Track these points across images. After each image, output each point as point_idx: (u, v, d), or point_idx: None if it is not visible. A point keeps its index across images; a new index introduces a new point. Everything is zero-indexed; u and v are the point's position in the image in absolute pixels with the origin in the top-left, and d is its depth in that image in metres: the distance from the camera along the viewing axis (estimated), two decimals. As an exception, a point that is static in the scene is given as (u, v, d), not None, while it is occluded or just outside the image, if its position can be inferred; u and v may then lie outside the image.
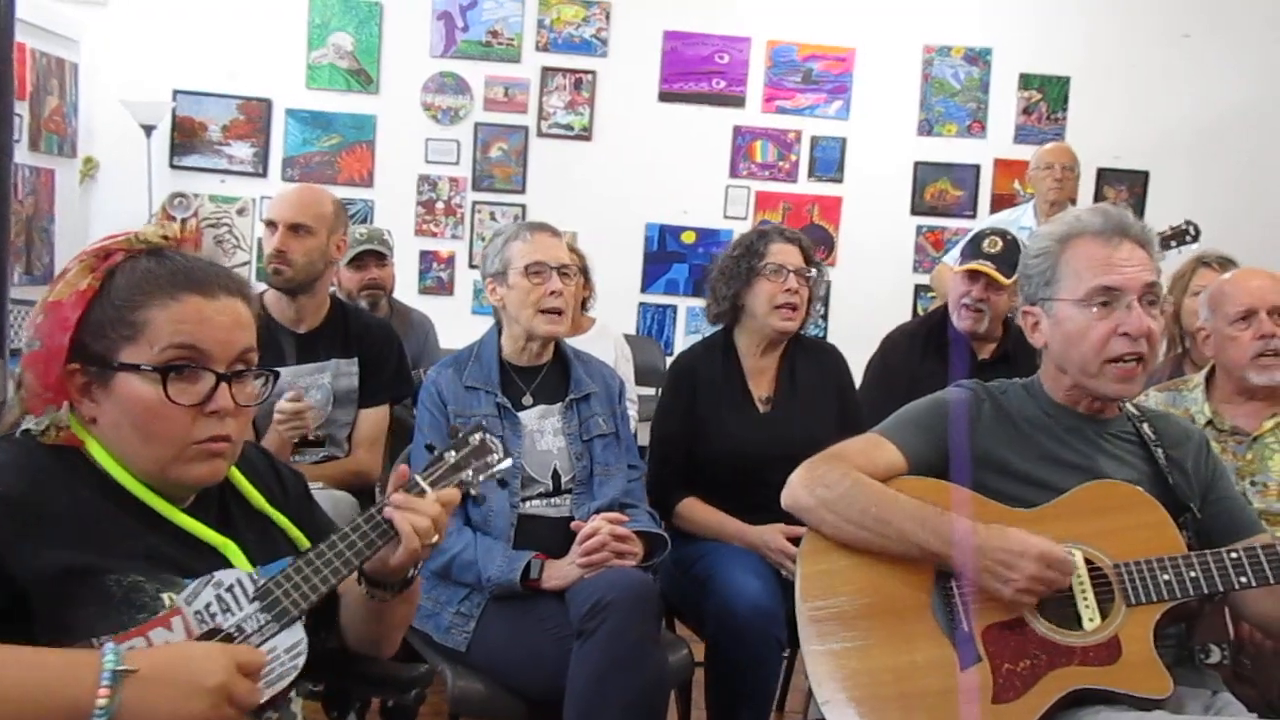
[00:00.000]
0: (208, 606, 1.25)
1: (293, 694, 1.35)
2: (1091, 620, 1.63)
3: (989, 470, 1.77)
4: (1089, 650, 1.61)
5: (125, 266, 1.30)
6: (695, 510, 2.55)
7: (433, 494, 1.39)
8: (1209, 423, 2.39)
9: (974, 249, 3.02)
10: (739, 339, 2.71)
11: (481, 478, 1.46)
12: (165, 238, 1.34)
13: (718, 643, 2.29)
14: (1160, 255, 1.80)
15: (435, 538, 1.36)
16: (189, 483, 1.32)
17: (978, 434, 1.80)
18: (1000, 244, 2.96)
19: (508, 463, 1.48)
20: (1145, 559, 1.64)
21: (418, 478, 1.42)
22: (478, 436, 1.47)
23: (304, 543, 1.43)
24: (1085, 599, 1.65)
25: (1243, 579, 1.61)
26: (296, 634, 1.28)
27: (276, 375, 1.41)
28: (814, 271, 2.66)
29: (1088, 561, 1.67)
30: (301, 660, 1.27)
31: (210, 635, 1.24)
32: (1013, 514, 1.72)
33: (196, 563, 1.30)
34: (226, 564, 1.31)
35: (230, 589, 1.27)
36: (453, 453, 1.45)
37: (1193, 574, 1.62)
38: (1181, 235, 3.78)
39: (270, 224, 2.65)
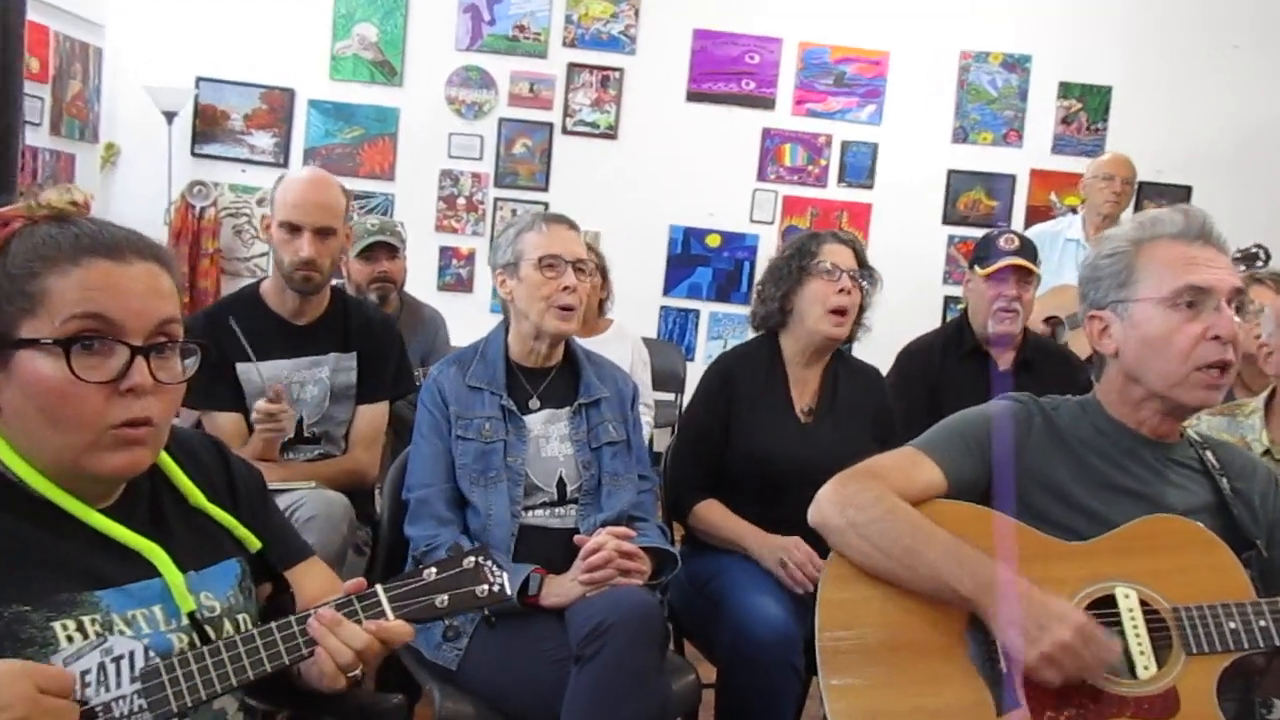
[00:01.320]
0: (85, 674, 1.11)
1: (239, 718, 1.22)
2: (1146, 669, 1.48)
3: (1037, 493, 1.62)
4: (1143, 701, 1.45)
5: (23, 234, 1.17)
6: (714, 513, 2.42)
7: (371, 624, 1.21)
8: (1266, 451, 2.22)
9: (993, 250, 2.94)
10: (785, 344, 2.58)
11: (462, 610, 1.28)
12: (73, 203, 1.21)
13: (730, 668, 2.15)
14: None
15: (358, 673, 1.20)
16: (106, 474, 1.18)
17: (1026, 452, 1.65)
18: (1016, 240, 2.95)
19: (505, 597, 1.29)
20: (1209, 604, 1.49)
21: (379, 590, 1.25)
22: (473, 560, 1.29)
23: (252, 543, 1.30)
24: (1140, 644, 1.49)
25: None
26: None
27: (204, 348, 1.26)
28: (865, 277, 2.52)
29: (1143, 604, 1.52)
30: None
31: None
32: (1060, 546, 1.57)
33: (116, 571, 1.17)
34: (152, 571, 1.18)
35: (118, 660, 1.12)
36: (434, 571, 1.27)
37: (1262, 623, 1.47)
38: (1252, 258, 3.61)
39: (292, 227, 2.46)
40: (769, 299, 2.55)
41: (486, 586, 1.28)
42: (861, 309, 2.55)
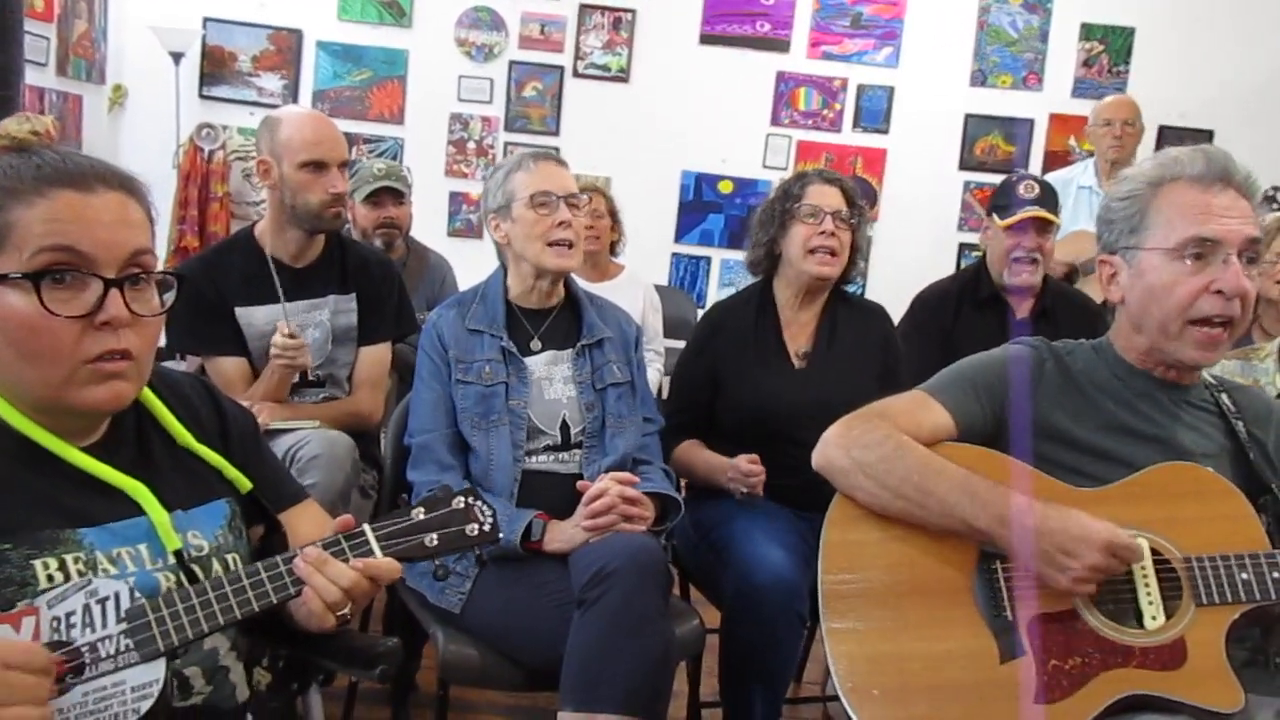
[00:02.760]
0: (69, 615, 1.09)
1: (230, 658, 1.21)
2: (1155, 619, 1.46)
3: (1049, 439, 1.59)
4: (1150, 652, 1.43)
5: None
6: (690, 454, 2.42)
7: (358, 562, 1.19)
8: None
9: (1013, 198, 2.89)
10: (778, 290, 2.55)
11: (452, 550, 1.26)
12: (35, 133, 1.17)
13: (734, 615, 2.13)
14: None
15: (347, 610, 1.18)
16: (88, 409, 1.16)
17: (1039, 397, 1.62)
18: (1037, 188, 2.89)
19: (494, 536, 1.28)
20: (1222, 554, 1.46)
21: (366, 529, 1.23)
22: (462, 500, 1.27)
23: (243, 483, 1.28)
24: (1149, 594, 1.47)
25: None
26: (153, 672, 1.11)
27: (181, 279, 1.23)
28: (855, 215, 2.47)
29: (1154, 552, 1.49)
30: (145, 705, 1.10)
31: (55, 648, 1.08)
32: (1074, 493, 1.54)
33: (101, 509, 1.15)
34: (137, 509, 1.16)
35: (103, 601, 1.11)
36: (421, 511, 1.25)
37: (1276, 575, 1.44)
38: (1269, 201, 3.53)
39: (318, 165, 2.41)
40: (758, 244, 2.52)
41: (476, 526, 1.26)
42: (855, 248, 2.50)
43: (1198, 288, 1.52)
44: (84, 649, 1.10)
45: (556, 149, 5.61)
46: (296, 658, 1.36)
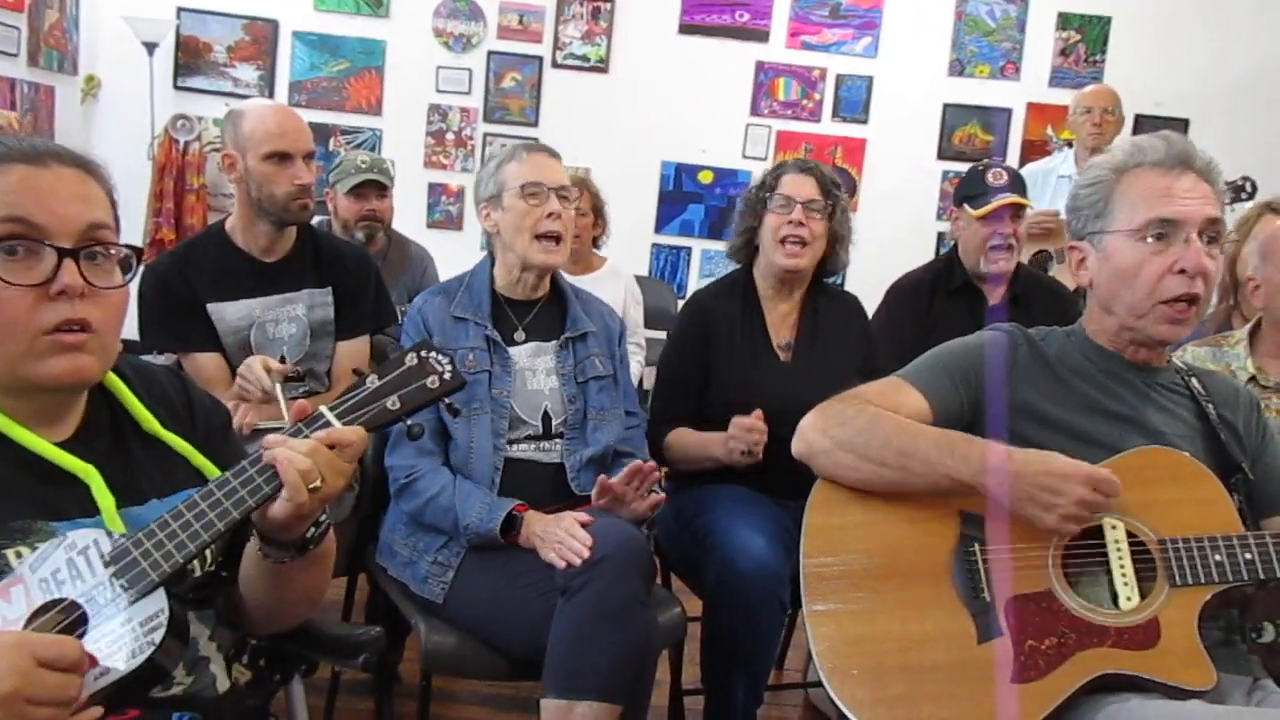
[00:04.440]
0: (55, 573, 1.09)
1: (211, 648, 1.20)
2: (1129, 599, 1.48)
3: (1025, 420, 1.61)
4: (1124, 632, 1.45)
5: None
6: (682, 438, 2.41)
7: (322, 432, 1.17)
8: (1251, 378, 2.22)
9: (984, 187, 2.92)
10: (757, 279, 2.56)
11: (418, 407, 1.22)
12: None
13: (716, 601, 2.15)
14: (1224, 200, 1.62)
15: (317, 483, 1.14)
16: (48, 383, 1.15)
17: (1015, 380, 1.64)
18: (1005, 175, 2.93)
19: (458, 382, 1.24)
20: (1195, 536, 1.48)
21: (323, 409, 1.20)
22: (414, 356, 1.23)
23: (211, 470, 1.27)
24: (1124, 575, 1.49)
25: None
26: (155, 603, 1.11)
27: (140, 253, 1.22)
28: (830, 203, 2.47)
29: (1129, 535, 1.51)
30: (159, 635, 1.09)
31: (51, 606, 1.08)
32: None
33: (56, 495, 1.14)
34: (87, 494, 1.15)
35: (84, 551, 1.10)
36: (375, 378, 1.22)
37: (1248, 556, 1.46)
38: (1238, 191, 3.57)
39: (283, 155, 2.40)
40: (738, 234, 2.54)
41: (436, 377, 1.23)
42: (835, 238, 2.51)
43: (1162, 268, 1.56)
44: (81, 600, 1.09)
45: (536, 140, 5.60)
46: (278, 651, 1.36)
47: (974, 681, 1.45)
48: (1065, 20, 5.67)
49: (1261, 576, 1.47)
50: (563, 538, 1.89)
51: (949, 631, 1.49)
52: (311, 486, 1.14)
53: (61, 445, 1.18)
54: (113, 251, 1.19)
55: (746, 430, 2.21)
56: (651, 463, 2.07)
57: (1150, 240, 1.57)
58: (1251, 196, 3.59)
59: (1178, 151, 1.58)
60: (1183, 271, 1.55)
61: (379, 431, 1.22)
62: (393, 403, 1.21)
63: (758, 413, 2.21)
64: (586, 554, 1.85)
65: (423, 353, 1.24)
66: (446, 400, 1.25)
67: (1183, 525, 1.50)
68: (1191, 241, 1.55)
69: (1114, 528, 1.51)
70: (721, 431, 2.29)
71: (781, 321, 2.53)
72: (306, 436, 1.17)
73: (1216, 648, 1.48)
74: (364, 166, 3.35)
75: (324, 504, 1.19)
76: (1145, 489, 1.53)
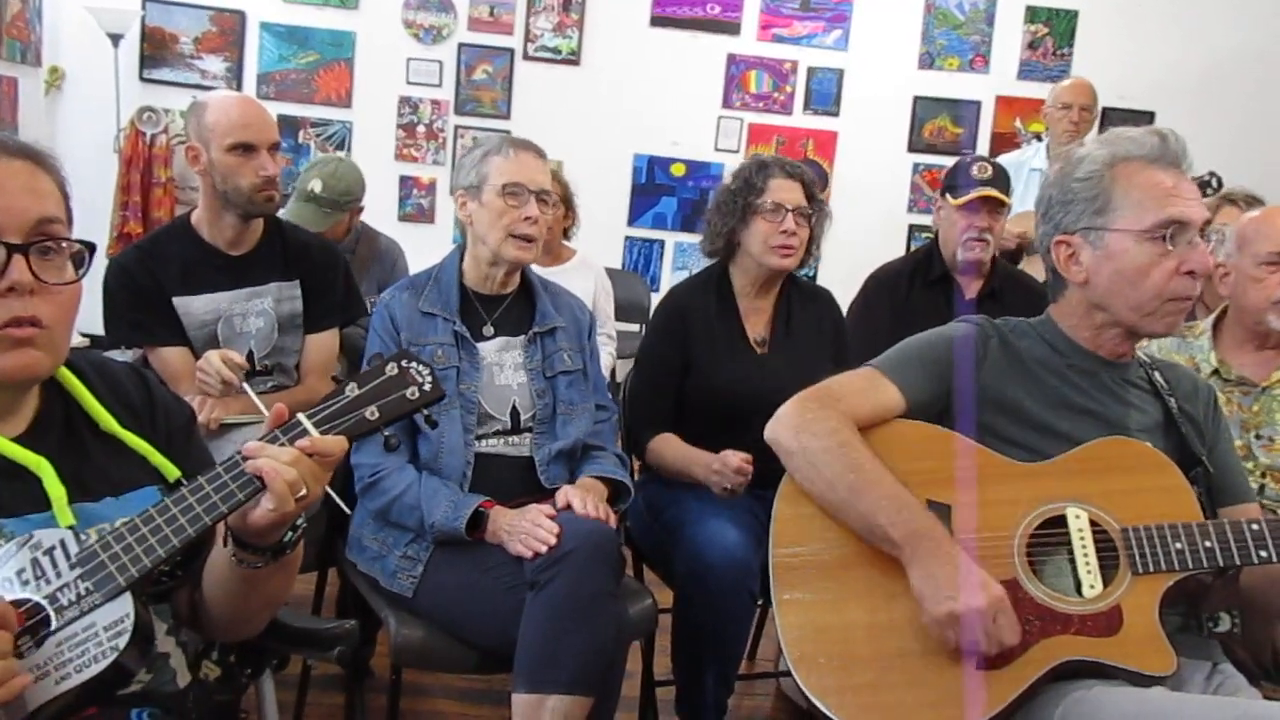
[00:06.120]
0: (20, 573, 1.07)
1: (169, 643, 1.19)
2: (1092, 588, 1.50)
3: (994, 413, 1.63)
4: (1087, 619, 1.47)
5: None
6: (666, 447, 2.41)
7: (303, 440, 1.16)
8: (1215, 372, 2.25)
9: (965, 179, 2.94)
10: (734, 276, 2.56)
11: (397, 418, 1.22)
12: None
13: (686, 593, 2.16)
14: None
15: (303, 492, 1.14)
16: None
17: (983, 373, 1.65)
18: (990, 169, 2.95)
19: (437, 394, 1.24)
20: (1157, 524, 1.50)
21: (301, 418, 1.19)
22: (395, 366, 1.22)
23: (170, 470, 1.26)
24: (1087, 563, 1.51)
25: (1263, 553, 1.47)
26: (121, 608, 1.09)
27: (93, 249, 1.20)
28: (814, 209, 2.49)
29: (1092, 523, 1.53)
30: (123, 640, 1.08)
31: (15, 607, 1.06)
32: (1016, 467, 1.58)
33: (7, 489, 1.13)
34: (39, 487, 1.14)
35: (50, 551, 1.08)
36: (354, 386, 1.21)
37: (1208, 544, 1.48)
38: (1204, 186, 3.61)
39: (247, 147, 2.37)
40: (717, 234, 2.52)
41: (415, 388, 1.22)
42: (813, 238, 2.52)
43: (1171, 269, 1.56)
44: (44, 601, 1.08)
45: (508, 133, 5.58)
46: (249, 646, 1.35)
47: (940, 669, 1.47)
48: (1033, 14, 5.71)
49: (1221, 564, 1.49)
50: (529, 529, 1.89)
51: (916, 619, 1.50)
52: (298, 496, 1.14)
53: (16, 440, 1.17)
54: (64, 246, 1.17)
55: (734, 471, 2.20)
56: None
57: (1161, 241, 1.56)
58: (1217, 192, 3.63)
59: (1174, 150, 1.59)
60: (1190, 273, 1.56)
61: (357, 439, 1.22)
62: (371, 413, 1.21)
63: (747, 456, 2.18)
64: (553, 542, 1.85)
65: (403, 363, 1.23)
66: (425, 411, 1.25)
67: (1144, 514, 1.52)
68: (1196, 242, 1.56)
69: (1077, 516, 1.53)
70: (691, 432, 2.30)
71: (759, 317, 2.54)
72: (284, 444, 1.16)
73: (1176, 634, 1.50)
74: (313, 194, 3.26)
75: (304, 510, 1.18)
76: (1108, 478, 1.55)
